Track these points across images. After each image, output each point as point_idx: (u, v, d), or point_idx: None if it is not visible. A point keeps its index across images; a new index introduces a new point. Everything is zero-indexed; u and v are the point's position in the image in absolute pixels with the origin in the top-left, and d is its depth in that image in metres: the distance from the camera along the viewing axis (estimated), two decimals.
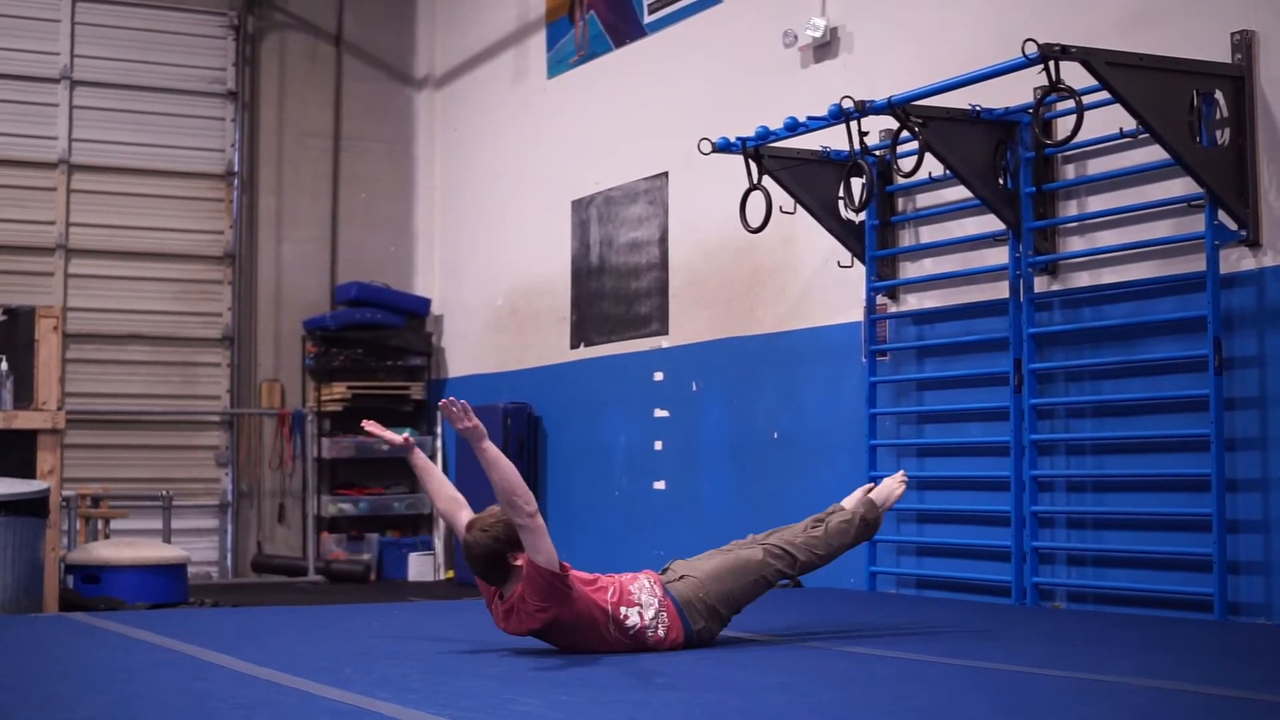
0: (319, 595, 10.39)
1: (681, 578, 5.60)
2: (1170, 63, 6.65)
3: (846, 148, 7.61)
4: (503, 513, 5.21)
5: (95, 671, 5.10)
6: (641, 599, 5.43)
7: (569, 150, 11.46)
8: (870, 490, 6.14)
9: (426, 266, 13.41)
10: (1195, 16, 6.95)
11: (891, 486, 6.13)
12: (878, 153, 8.04)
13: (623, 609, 5.37)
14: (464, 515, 5.57)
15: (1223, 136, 6.74)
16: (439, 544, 12.48)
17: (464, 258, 12.93)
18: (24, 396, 8.38)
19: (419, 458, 5.78)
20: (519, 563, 5.20)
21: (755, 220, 8.10)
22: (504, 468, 5.09)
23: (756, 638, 5.85)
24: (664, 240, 10.37)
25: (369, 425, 5.84)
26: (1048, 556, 7.54)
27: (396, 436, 5.81)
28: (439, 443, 12.82)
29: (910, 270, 8.49)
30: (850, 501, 6.06)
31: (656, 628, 5.41)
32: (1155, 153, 6.94)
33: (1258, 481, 6.61)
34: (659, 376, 10.32)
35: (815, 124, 7.80)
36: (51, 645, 5.96)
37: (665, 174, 10.36)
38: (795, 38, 9.13)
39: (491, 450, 5.09)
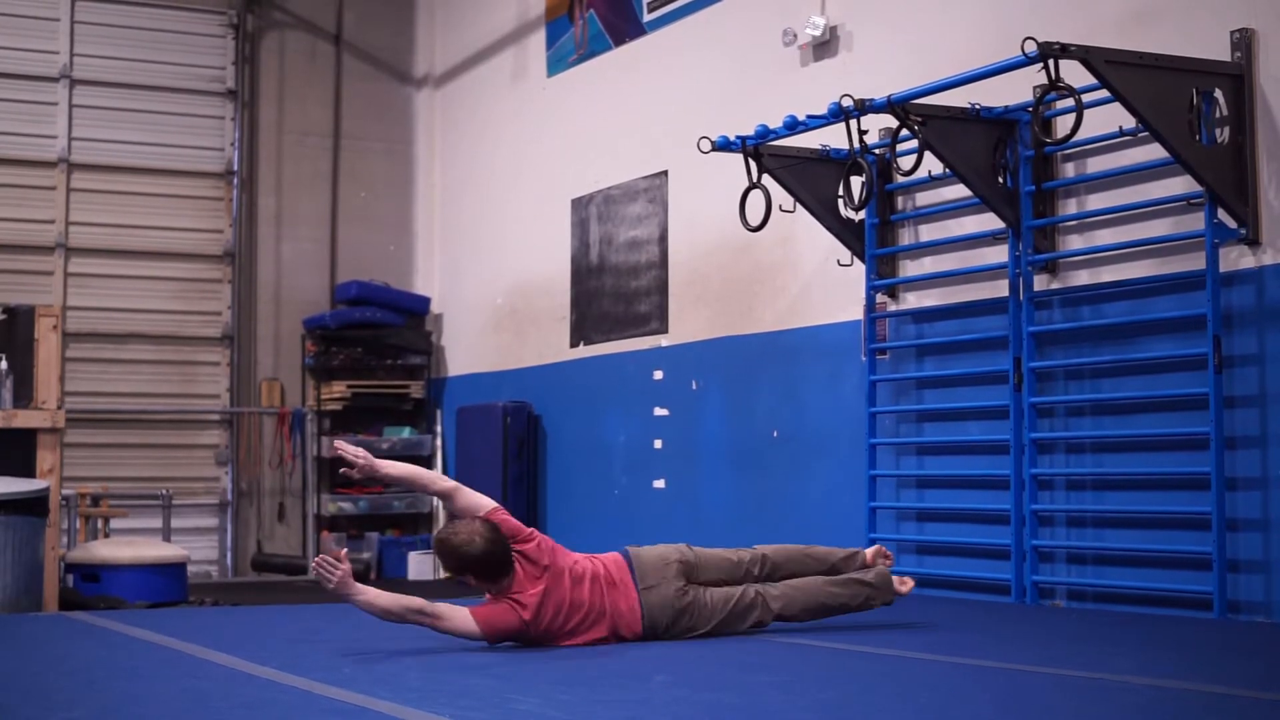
0: (319, 594, 10.37)
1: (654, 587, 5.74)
2: (1170, 61, 6.65)
3: (846, 146, 7.61)
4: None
5: (95, 671, 5.10)
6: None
7: (568, 149, 11.46)
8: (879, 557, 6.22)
9: (426, 265, 13.41)
10: (1195, 15, 6.95)
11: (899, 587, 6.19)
12: (877, 151, 8.04)
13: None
14: (460, 499, 5.72)
15: (1222, 135, 6.74)
16: None
17: (464, 257, 12.93)
18: (24, 395, 8.39)
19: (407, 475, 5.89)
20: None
21: (755, 219, 8.09)
22: (382, 608, 5.36)
23: (756, 636, 5.84)
24: (663, 239, 10.37)
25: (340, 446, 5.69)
26: (1047, 555, 7.54)
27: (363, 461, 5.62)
28: (438, 441, 12.83)
29: (910, 268, 8.49)
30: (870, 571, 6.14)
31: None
32: (1155, 151, 6.94)
33: (1257, 480, 6.61)
34: (658, 375, 10.32)
35: (815, 122, 7.80)
36: (51, 645, 5.96)
37: (665, 173, 10.36)
38: (795, 36, 9.14)
39: (363, 600, 5.35)
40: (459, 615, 5.41)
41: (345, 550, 5.56)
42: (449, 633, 5.44)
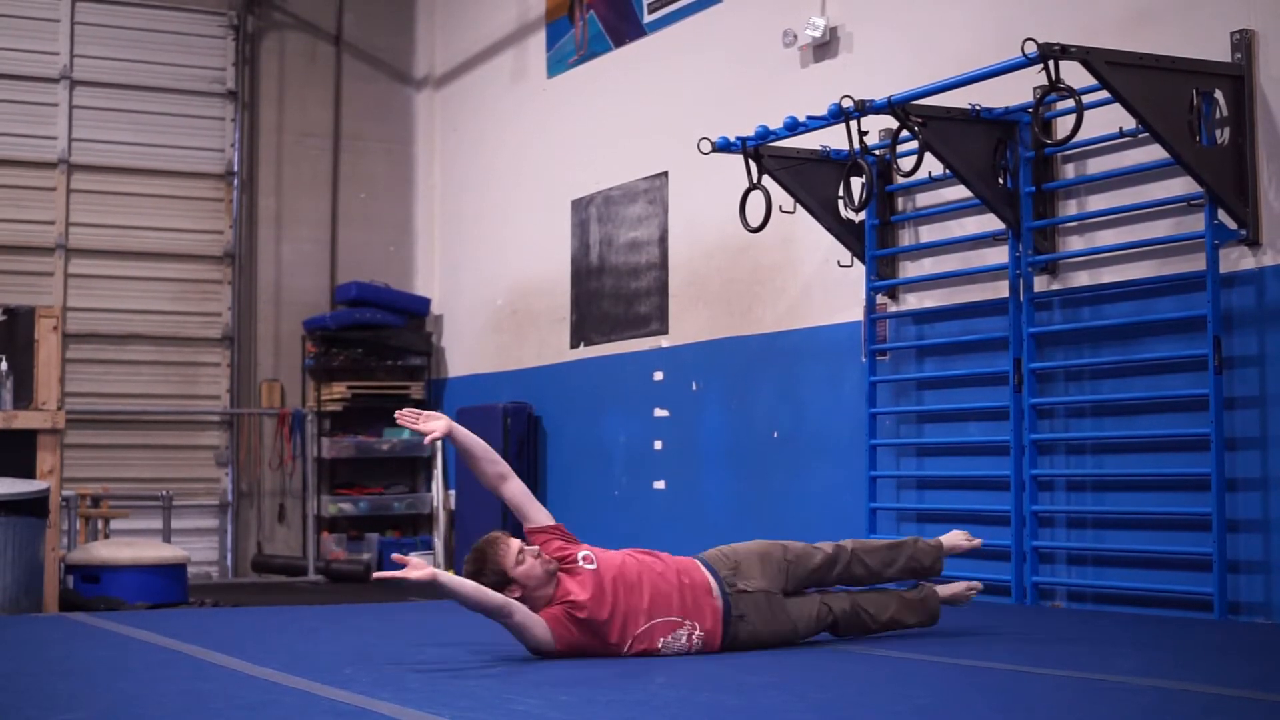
0: (319, 595, 10.39)
1: (754, 593, 5.37)
2: (1170, 62, 6.65)
3: (846, 147, 7.61)
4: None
5: (95, 671, 5.10)
6: (673, 645, 5.23)
7: (569, 150, 11.46)
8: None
9: (426, 266, 13.41)
10: (1195, 16, 6.95)
11: (961, 590, 6.03)
12: (877, 152, 8.03)
13: (647, 654, 5.20)
14: (507, 487, 5.42)
15: (1222, 136, 6.74)
16: (439, 543, 12.47)
17: (464, 258, 12.93)
18: (24, 396, 8.38)
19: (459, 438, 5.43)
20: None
21: (755, 220, 8.10)
22: (464, 596, 5.01)
23: None
24: (664, 240, 10.38)
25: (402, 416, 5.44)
26: (1047, 556, 7.54)
27: (432, 428, 5.38)
28: (439, 443, 12.82)
29: (910, 270, 8.50)
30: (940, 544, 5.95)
31: (680, 648, 5.29)
32: (1155, 152, 6.94)
33: (1257, 481, 6.61)
34: (659, 376, 10.32)
35: (815, 123, 7.80)
36: (51, 645, 5.96)
37: (665, 173, 10.36)
38: (795, 37, 9.14)
39: (447, 587, 5.00)
40: (536, 621, 5.08)
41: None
42: (521, 632, 5.07)
